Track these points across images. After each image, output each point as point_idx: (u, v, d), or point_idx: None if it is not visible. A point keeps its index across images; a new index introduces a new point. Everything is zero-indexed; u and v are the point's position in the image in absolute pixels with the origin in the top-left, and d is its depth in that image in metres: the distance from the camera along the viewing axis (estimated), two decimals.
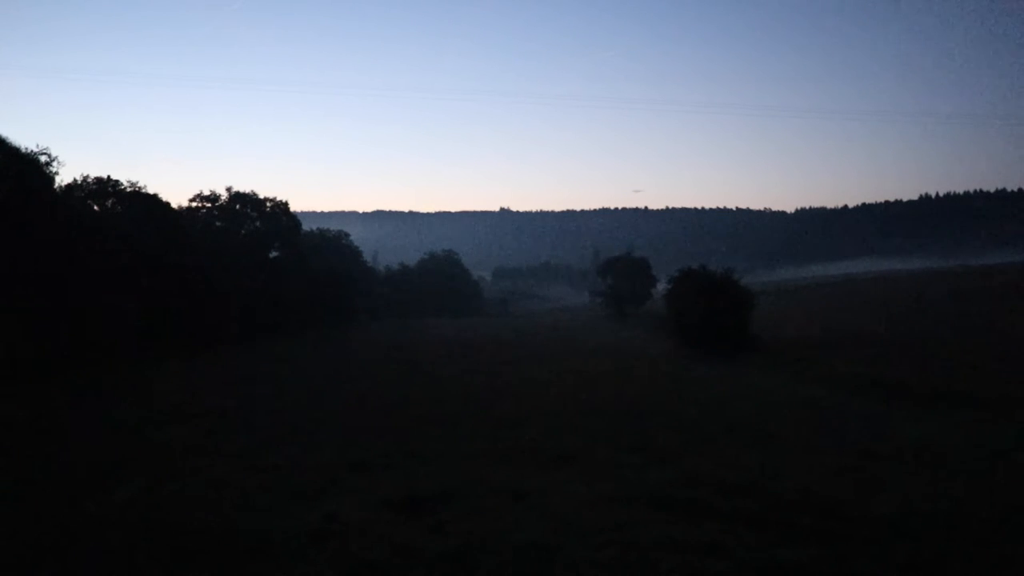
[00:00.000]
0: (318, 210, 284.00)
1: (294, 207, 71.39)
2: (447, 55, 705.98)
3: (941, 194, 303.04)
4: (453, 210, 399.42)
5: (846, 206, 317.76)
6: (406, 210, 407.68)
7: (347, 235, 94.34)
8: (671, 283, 50.12)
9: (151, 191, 53.53)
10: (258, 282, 60.95)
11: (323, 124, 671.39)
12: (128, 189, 51.88)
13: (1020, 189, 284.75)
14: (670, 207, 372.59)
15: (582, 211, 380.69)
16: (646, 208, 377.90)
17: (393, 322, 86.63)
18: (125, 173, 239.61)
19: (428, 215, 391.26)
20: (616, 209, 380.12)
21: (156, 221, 50.60)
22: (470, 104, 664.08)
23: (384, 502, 12.58)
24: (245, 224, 68.23)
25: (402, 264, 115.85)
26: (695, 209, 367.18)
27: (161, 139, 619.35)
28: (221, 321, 52.90)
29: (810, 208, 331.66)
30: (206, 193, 66.93)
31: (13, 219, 34.04)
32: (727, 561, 9.44)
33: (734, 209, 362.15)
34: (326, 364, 40.65)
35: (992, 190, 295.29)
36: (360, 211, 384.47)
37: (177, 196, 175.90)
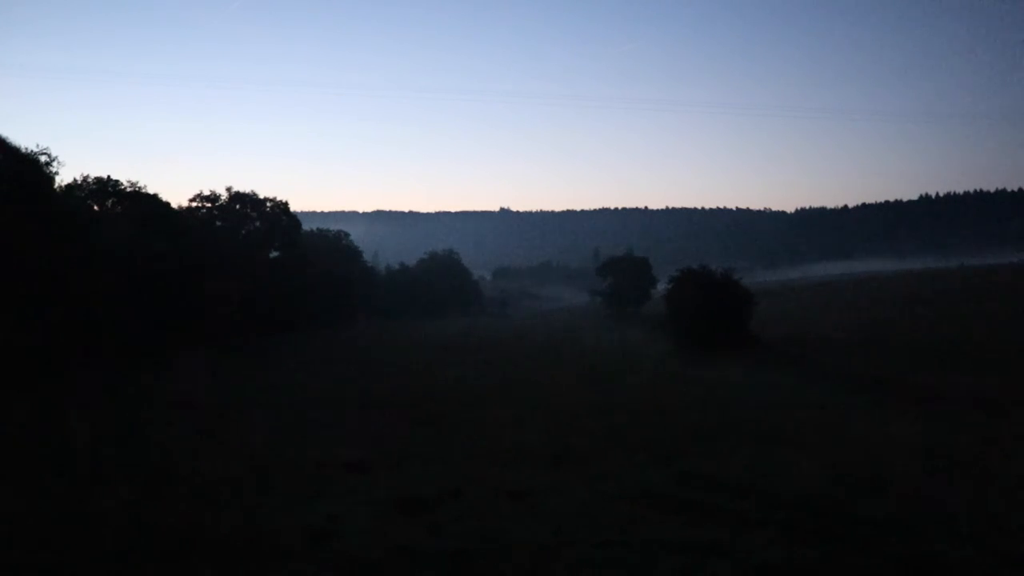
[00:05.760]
0: (318, 210, 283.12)
1: (294, 207, 71.33)
2: (448, 55, 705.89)
3: (941, 194, 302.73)
4: (453, 210, 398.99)
5: (846, 206, 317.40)
6: (406, 210, 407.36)
7: (347, 235, 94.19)
8: (671, 283, 50.06)
9: (151, 191, 53.59)
10: (258, 282, 60.90)
11: (323, 124, 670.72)
12: (128, 189, 51.88)
13: (1020, 189, 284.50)
14: (670, 207, 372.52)
15: (582, 211, 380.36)
16: (646, 208, 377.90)
17: (393, 322, 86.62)
18: (125, 173, 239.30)
19: (428, 215, 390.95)
20: (616, 209, 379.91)
21: (156, 221, 50.58)
22: (470, 104, 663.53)
23: (384, 502, 12.57)
24: (245, 224, 68.19)
25: (402, 264, 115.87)
26: (695, 209, 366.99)
27: (161, 139, 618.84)
28: (221, 321, 52.88)
29: (810, 208, 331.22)
30: (206, 193, 66.91)
31: (13, 219, 34.01)
32: (727, 561, 9.44)
33: (734, 209, 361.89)
34: (326, 364, 40.65)
35: (992, 190, 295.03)
36: (360, 211, 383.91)
37: (177, 196, 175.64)
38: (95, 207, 50.23)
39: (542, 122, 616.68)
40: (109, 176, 51.21)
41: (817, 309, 65.29)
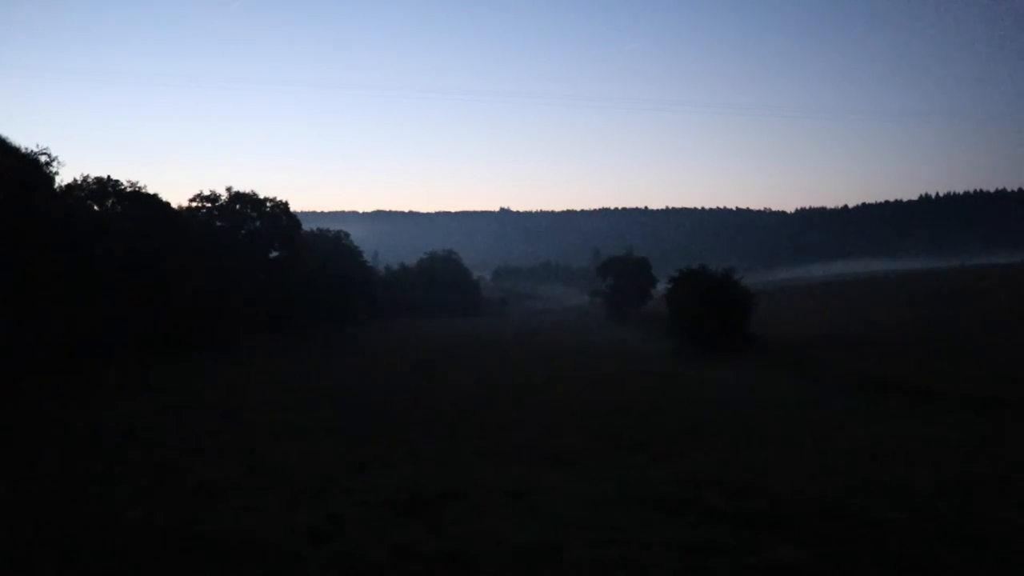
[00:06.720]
0: (318, 210, 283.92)
1: (294, 207, 71.39)
2: (448, 55, 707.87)
3: (941, 194, 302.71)
4: (453, 210, 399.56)
5: (846, 206, 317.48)
6: (406, 210, 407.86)
7: (347, 235, 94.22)
8: (671, 283, 50.11)
9: (151, 191, 53.59)
10: (258, 282, 60.94)
11: (323, 124, 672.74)
12: (128, 189, 51.88)
13: (1020, 189, 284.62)
14: (670, 207, 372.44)
15: (582, 211, 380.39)
16: (646, 208, 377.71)
17: (393, 322, 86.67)
18: (125, 173, 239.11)
19: (428, 215, 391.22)
20: (616, 209, 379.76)
21: (156, 221, 50.58)
22: (470, 104, 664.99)
23: (384, 502, 12.57)
24: (245, 224, 68.23)
25: (402, 264, 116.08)
26: (695, 209, 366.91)
27: (161, 139, 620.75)
28: (220, 321, 52.88)
29: (810, 208, 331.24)
30: (206, 193, 66.95)
31: (13, 219, 34.01)
32: (727, 561, 9.44)
33: (734, 209, 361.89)
34: (326, 364, 40.66)
35: (992, 190, 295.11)
36: (360, 211, 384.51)
37: (177, 196, 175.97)
38: (95, 207, 50.23)
39: (542, 122, 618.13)
40: (109, 176, 51.26)
41: (817, 309, 65.32)
